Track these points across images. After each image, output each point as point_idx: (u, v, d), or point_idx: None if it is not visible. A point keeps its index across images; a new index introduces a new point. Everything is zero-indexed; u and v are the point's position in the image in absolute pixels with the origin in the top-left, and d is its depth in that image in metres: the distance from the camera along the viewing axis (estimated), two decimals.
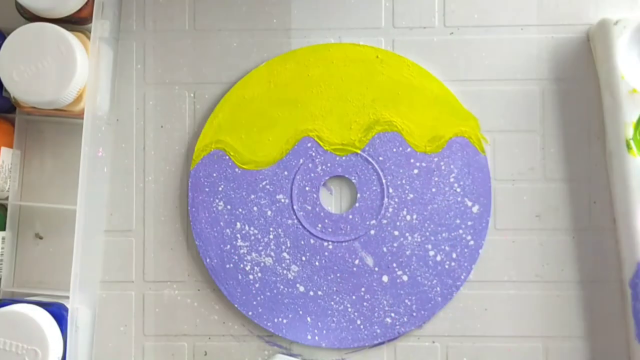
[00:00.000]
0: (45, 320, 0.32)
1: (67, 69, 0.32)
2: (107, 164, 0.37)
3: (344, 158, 0.37)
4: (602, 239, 0.37)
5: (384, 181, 0.36)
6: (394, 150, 0.37)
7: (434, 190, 0.36)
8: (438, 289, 0.36)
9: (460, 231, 0.36)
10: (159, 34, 0.38)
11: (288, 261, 0.36)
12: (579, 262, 0.37)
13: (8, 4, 0.35)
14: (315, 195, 0.37)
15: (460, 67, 0.37)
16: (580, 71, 0.37)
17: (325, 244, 0.36)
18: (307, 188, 0.37)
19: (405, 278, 0.36)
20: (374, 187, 0.36)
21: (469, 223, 0.36)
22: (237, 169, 0.37)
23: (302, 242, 0.36)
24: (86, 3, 0.34)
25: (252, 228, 0.36)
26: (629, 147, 0.34)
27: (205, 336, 0.37)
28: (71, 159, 0.37)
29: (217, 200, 0.37)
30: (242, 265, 0.36)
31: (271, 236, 0.36)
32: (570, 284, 0.37)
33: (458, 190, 0.36)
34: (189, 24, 0.38)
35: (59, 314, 0.33)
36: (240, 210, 0.37)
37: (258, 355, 0.37)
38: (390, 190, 0.36)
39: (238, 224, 0.36)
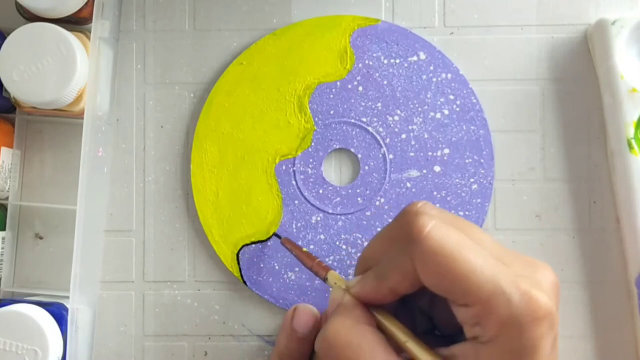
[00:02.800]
0: (45, 320, 0.32)
1: (67, 69, 0.32)
2: (107, 164, 0.37)
3: (310, 150, 0.37)
4: (603, 239, 0.37)
5: (357, 120, 0.37)
6: (332, 96, 0.37)
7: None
8: None
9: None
10: (159, 34, 0.38)
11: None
12: (579, 262, 0.37)
13: (8, 4, 0.35)
14: (330, 188, 0.37)
15: (460, 67, 0.37)
16: (580, 71, 0.37)
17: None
18: (320, 191, 0.37)
19: None
20: (355, 139, 0.37)
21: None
22: (268, 243, 0.37)
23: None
24: (86, 3, 0.34)
25: (327, 259, 0.37)
26: (630, 146, 0.34)
27: (205, 336, 0.37)
28: (71, 159, 0.37)
29: (286, 275, 0.37)
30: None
31: (343, 254, 0.37)
32: (571, 284, 0.37)
33: (398, 62, 0.37)
34: (189, 24, 0.38)
35: (59, 314, 0.33)
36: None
37: (258, 355, 0.37)
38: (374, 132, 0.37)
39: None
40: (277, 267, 0.36)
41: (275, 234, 0.37)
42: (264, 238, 0.37)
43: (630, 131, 0.35)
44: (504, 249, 0.27)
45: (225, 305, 0.37)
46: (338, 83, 0.37)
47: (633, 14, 0.37)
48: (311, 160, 0.37)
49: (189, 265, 0.37)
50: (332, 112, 0.37)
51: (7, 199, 0.37)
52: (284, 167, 0.37)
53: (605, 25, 0.35)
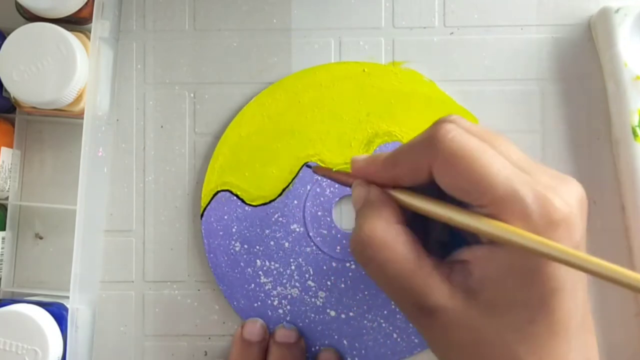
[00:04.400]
0: (45, 320, 0.32)
1: (67, 69, 0.32)
2: (107, 164, 0.37)
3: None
4: (603, 239, 0.37)
5: None
6: None
7: None
8: None
9: None
10: (159, 34, 0.38)
11: (314, 289, 0.36)
12: None
13: (8, 4, 0.35)
14: (328, 219, 0.36)
15: (460, 67, 0.37)
16: (580, 71, 0.37)
17: (348, 264, 0.36)
18: (319, 213, 0.36)
19: None
20: None
21: None
22: (246, 207, 0.36)
23: (325, 267, 0.36)
24: (86, 3, 0.34)
25: (272, 263, 0.36)
26: (635, 134, 0.35)
27: (205, 336, 0.37)
28: (71, 159, 0.37)
29: (233, 242, 0.36)
30: (269, 301, 0.36)
31: (293, 267, 0.36)
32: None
33: None
34: (189, 24, 0.38)
35: (59, 314, 0.33)
36: (257, 247, 0.36)
37: None
38: None
39: (258, 261, 0.36)
40: (233, 230, 0.36)
41: (306, 165, 0.36)
42: (248, 201, 0.36)
43: (635, 119, 0.35)
44: (533, 162, 0.27)
45: (225, 305, 0.37)
46: None
47: (636, 1, 0.37)
48: (337, 186, 0.36)
49: (189, 265, 0.37)
50: None
51: (7, 199, 0.37)
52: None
53: (609, 13, 0.35)
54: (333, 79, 0.37)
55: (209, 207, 0.37)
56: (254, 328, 0.35)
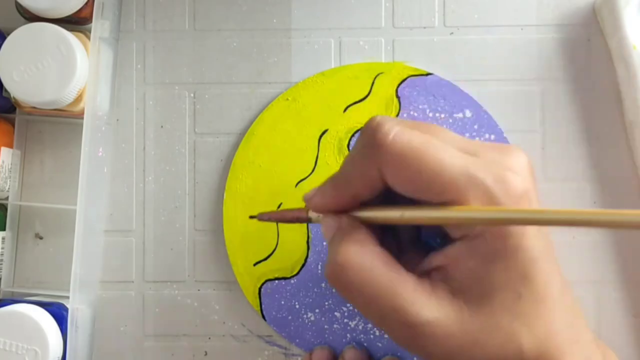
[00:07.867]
0: (45, 320, 0.32)
1: (67, 69, 0.32)
2: (107, 164, 0.37)
3: None
4: (603, 240, 0.37)
5: None
6: None
7: None
8: None
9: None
10: (159, 34, 0.38)
11: None
12: (579, 263, 0.37)
13: (8, 4, 0.35)
14: None
15: (460, 67, 0.37)
16: (580, 71, 0.37)
17: None
18: None
19: None
20: None
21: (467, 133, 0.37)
22: (292, 280, 0.36)
23: None
24: (86, 3, 0.34)
25: (349, 305, 0.36)
26: None
27: (205, 336, 0.37)
28: (71, 159, 0.37)
29: (305, 317, 0.36)
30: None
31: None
32: (570, 284, 0.37)
33: (443, 116, 0.36)
34: (189, 24, 0.38)
35: (59, 314, 0.33)
36: (326, 303, 0.36)
37: (258, 356, 0.37)
38: None
39: (337, 313, 0.36)
40: (297, 306, 0.36)
41: (250, 217, 0.34)
42: (289, 275, 0.36)
43: None
44: (471, 141, 0.27)
45: (225, 305, 0.37)
46: None
47: None
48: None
49: (189, 265, 0.37)
50: None
51: (7, 199, 0.37)
52: None
53: None
54: (271, 125, 0.37)
55: (263, 305, 0.36)
56: (323, 353, 0.35)
